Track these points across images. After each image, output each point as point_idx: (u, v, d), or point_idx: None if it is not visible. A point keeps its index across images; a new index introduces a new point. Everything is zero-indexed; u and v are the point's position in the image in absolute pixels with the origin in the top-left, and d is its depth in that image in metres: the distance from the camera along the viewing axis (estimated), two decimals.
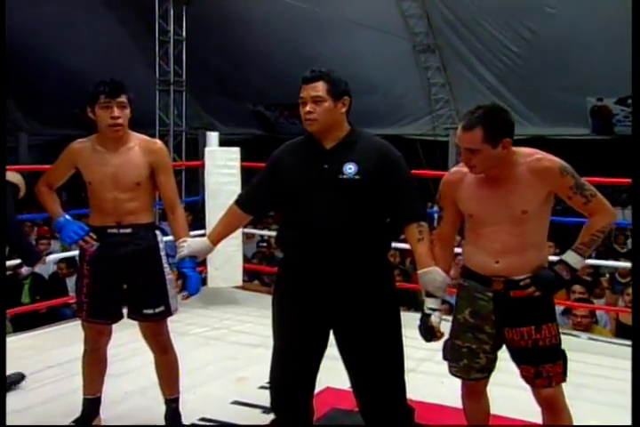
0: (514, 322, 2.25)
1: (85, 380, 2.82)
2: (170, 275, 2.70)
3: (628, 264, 4.70)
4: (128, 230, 2.66)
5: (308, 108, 2.33)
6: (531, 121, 9.24)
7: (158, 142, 2.77)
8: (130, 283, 2.68)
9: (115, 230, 2.66)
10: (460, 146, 2.17)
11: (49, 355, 3.64)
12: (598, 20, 8.12)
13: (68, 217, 2.74)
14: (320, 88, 2.33)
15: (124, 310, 2.75)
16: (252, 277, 6.01)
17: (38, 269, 6.54)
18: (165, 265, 2.71)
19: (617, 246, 7.95)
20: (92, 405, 2.81)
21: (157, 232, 2.74)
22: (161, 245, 2.72)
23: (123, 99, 2.60)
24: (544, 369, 2.22)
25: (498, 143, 2.13)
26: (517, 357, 2.28)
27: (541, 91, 8.93)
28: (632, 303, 2.86)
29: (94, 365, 2.80)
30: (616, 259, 6.48)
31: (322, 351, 2.46)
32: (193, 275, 2.60)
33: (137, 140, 2.70)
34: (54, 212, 2.77)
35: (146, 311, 2.68)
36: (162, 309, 2.69)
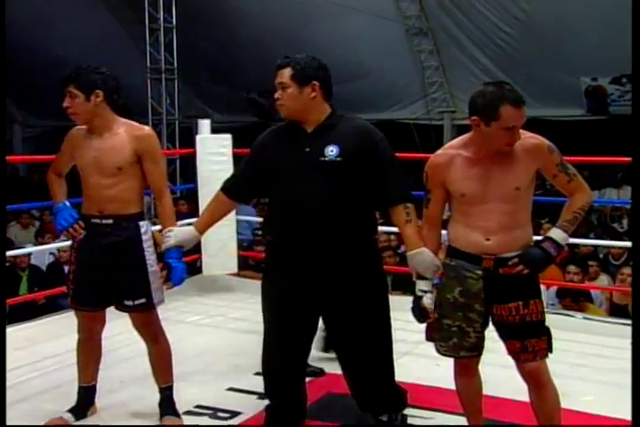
0: (502, 298, 2.28)
1: (80, 368, 2.83)
2: (154, 267, 2.68)
3: (626, 244, 4.70)
4: (109, 221, 2.65)
5: (276, 95, 2.39)
6: (526, 103, 9.20)
7: (146, 129, 2.73)
8: (111, 274, 2.66)
9: (97, 220, 2.67)
10: (518, 124, 2.17)
11: (45, 346, 3.64)
12: (593, 0, 8.05)
13: (67, 204, 2.76)
14: (284, 74, 2.36)
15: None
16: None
17: (34, 260, 6.60)
18: (148, 257, 2.68)
19: (617, 226, 7.96)
20: (86, 393, 2.82)
21: (142, 223, 2.70)
22: (144, 237, 2.69)
23: (70, 88, 2.60)
24: (529, 344, 2.26)
25: None
26: (505, 332, 2.31)
27: (535, 72, 8.86)
28: (632, 289, 2.85)
29: (88, 353, 2.81)
30: (613, 238, 6.49)
31: (311, 335, 2.47)
32: (177, 265, 2.59)
33: (124, 125, 2.68)
34: (55, 197, 2.79)
35: (126, 302, 2.68)
36: (142, 301, 2.67)
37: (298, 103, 2.37)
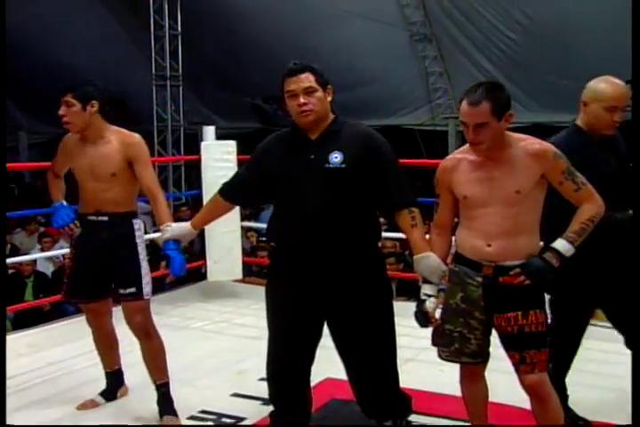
0: (501, 308, 2.25)
1: (101, 356, 3.05)
2: (145, 261, 2.86)
3: None
4: (105, 218, 2.84)
5: (302, 100, 2.32)
6: (530, 108, 9.16)
7: (135, 136, 2.88)
8: (106, 266, 2.84)
9: (94, 217, 2.85)
10: (468, 122, 2.17)
11: (49, 352, 3.65)
12: (596, 5, 8.06)
13: (64, 203, 2.97)
14: (310, 78, 2.33)
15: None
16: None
17: (40, 266, 6.61)
18: (141, 251, 2.86)
19: None
20: (113, 377, 3.04)
21: (135, 221, 2.89)
22: (137, 233, 2.87)
23: (67, 97, 2.78)
24: (528, 355, 2.22)
25: (502, 117, 2.17)
26: (505, 343, 2.29)
27: (540, 78, 8.87)
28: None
29: (104, 341, 3.01)
30: None
31: (315, 341, 2.46)
32: (176, 256, 2.69)
33: (115, 133, 2.86)
34: (53, 197, 3.01)
35: (121, 291, 2.84)
36: (133, 290, 2.83)
37: (324, 107, 2.36)
